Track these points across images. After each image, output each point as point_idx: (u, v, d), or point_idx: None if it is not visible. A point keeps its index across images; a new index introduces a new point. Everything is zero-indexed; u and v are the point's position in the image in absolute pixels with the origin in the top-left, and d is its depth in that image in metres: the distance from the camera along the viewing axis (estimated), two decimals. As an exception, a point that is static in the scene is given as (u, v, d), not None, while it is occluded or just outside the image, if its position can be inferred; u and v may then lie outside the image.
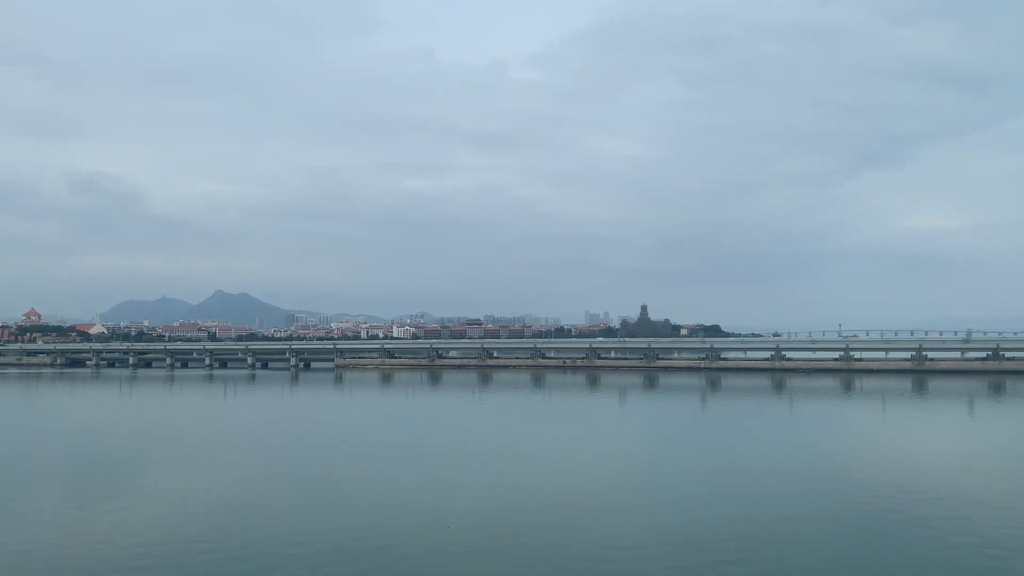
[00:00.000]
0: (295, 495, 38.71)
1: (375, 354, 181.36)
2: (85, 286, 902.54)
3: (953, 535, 30.21)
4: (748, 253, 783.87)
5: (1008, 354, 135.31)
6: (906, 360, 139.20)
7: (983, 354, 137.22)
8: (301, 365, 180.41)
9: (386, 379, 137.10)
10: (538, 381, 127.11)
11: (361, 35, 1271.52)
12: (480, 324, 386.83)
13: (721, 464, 47.06)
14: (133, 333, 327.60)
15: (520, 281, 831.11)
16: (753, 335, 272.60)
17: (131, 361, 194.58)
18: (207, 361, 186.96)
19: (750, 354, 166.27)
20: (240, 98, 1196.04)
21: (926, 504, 35.42)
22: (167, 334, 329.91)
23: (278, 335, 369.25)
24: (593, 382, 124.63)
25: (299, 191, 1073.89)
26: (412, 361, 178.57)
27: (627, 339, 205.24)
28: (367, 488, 40.25)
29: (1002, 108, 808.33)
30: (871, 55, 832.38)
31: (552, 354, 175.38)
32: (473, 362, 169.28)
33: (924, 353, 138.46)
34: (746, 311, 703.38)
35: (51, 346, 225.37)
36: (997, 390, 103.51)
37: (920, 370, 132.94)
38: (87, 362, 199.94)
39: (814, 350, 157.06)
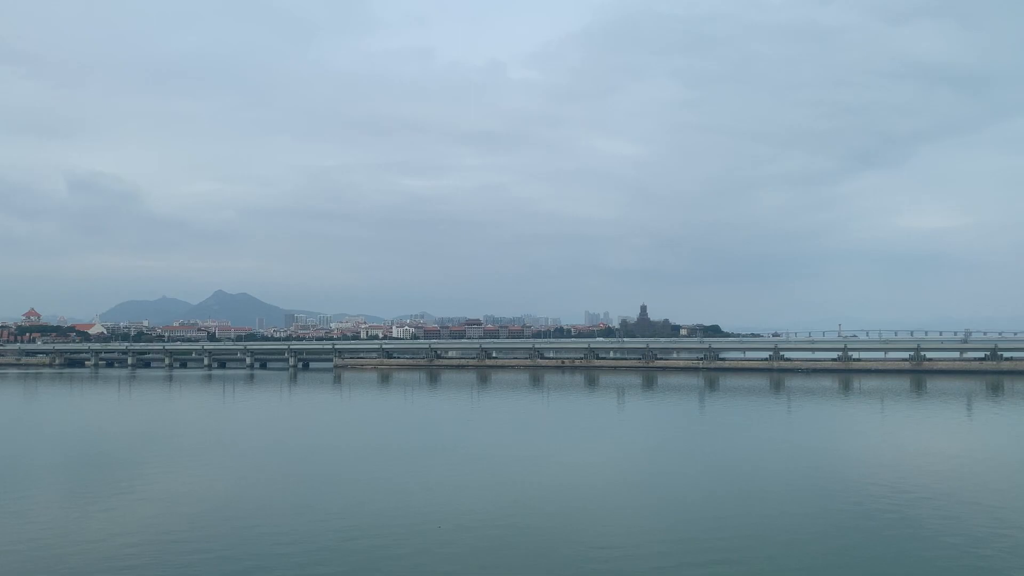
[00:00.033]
0: (288, 495, 38.66)
1: (373, 354, 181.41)
2: (85, 286, 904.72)
3: (947, 535, 30.19)
4: (747, 253, 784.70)
5: (1006, 354, 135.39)
6: (904, 360, 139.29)
7: (981, 354, 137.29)
8: (300, 365, 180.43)
9: (384, 379, 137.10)
10: (536, 381, 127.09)
11: (359, 35, 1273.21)
12: (479, 324, 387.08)
13: (717, 464, 46.99)
14: (132, 333, 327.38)
15: (520, 281, 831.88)
16: (753, 335, 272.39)
17: (130, 361, 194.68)
18: (206, 361, 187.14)
19: (749, 354, 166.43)
20: (238, 98, 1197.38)
21: (921, 504, 35.38)
22: (166, 334, 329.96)
23: (277, 335, 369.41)
24: (591, 382, 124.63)
25: (298, 191, 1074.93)
26: (410, 361, 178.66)
27: (625, 339, 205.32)
28: (361, 488, 40.19)
29: (1000, 108, 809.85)
30: (869, 55, 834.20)
31: (551, 354, 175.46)
32: (472, 362, 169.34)
33: (922, 353, 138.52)
34: (745, 311, 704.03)
35: (50, 346, 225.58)
36: (995, 390, 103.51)
37: (918, 370, 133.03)
38: (86, 362, 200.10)
39: (813, 350, 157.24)
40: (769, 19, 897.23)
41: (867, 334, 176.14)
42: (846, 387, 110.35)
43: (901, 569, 26.53)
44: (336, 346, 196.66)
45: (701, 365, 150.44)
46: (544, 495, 37.74)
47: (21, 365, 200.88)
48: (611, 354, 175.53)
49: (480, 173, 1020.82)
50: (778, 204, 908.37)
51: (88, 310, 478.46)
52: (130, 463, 49.36)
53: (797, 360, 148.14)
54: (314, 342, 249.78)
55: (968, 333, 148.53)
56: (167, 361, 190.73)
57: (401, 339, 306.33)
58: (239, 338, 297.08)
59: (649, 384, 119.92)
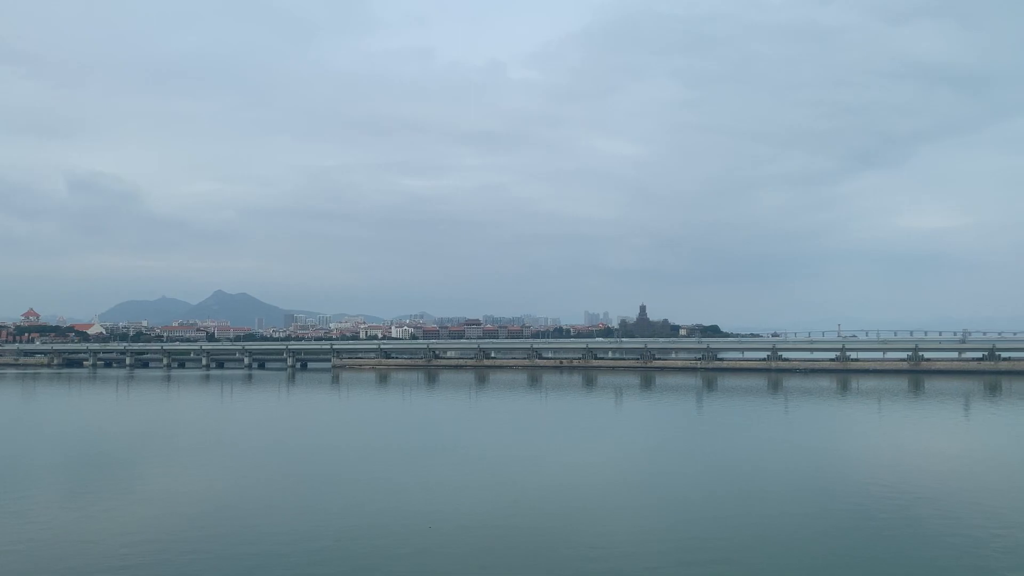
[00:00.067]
0: (288, 495, 38.58)
1: (372, 354, 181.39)
2: (85, 286, 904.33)
3: (947, 535, 30.14)
4: (747, 253, 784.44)
5: (1004, 354, 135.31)
6: (902, 360, 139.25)
7: (979, 355, 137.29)
8: (298, 365, 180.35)
9: (382, 379, 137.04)
10: (534, 381, 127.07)
11: (359, 35, 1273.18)
12: (479, 324, 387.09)
13: (717, 464, 46.95)
14: (131, 333, 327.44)
15: (519, 281, 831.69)
16: (752, 335, 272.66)
17: (128, 361, 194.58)
18: (204, 361, 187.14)
19: (747, 354, 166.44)
20: (238, 98, 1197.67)
21: (921, 504, 35.34)
22: (165, 334, 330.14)
23: (276, 335, 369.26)
24: (589, 382, 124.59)
25: (297, 191, 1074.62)
26: (408, 362, 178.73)
27: (623, 339, 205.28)
28: (360, 488, 40.11)
29: (1000, 108, 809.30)
30: (869, 55, 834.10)
31: (549, 354, 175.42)
32: (470, 363, 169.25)
33: (920, 353, 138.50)
34: (745, 311, 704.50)
35: (48, 346, 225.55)
36: (993, 390, 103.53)
37: (916, 370, 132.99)
38: (84, 362, 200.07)
39: (811, 350, 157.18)
40: (769, 19, 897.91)
41: (867, 334, 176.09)
42: (844, 387, 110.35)
43: (901, 569, 26.49)
44: (334, 346, 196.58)
45: (699, 365, 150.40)
46: (543, 495, 37.69)
47: (19, 365, 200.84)
48: (609, 354, 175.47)
49: (480, 173, 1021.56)
50: (778, 204, 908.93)
51: (88, 310, 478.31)
52: (130, 463, 49.40)
53: (795, 360, 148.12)
54: (312, 342, 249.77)
55: (966, 333, 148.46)
56: (165, 361, 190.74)
57: (400, 339, 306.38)
58: (238, 338, 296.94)
59: (647, 384, 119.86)
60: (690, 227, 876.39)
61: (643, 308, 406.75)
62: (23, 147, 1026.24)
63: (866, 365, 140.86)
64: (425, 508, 34.86)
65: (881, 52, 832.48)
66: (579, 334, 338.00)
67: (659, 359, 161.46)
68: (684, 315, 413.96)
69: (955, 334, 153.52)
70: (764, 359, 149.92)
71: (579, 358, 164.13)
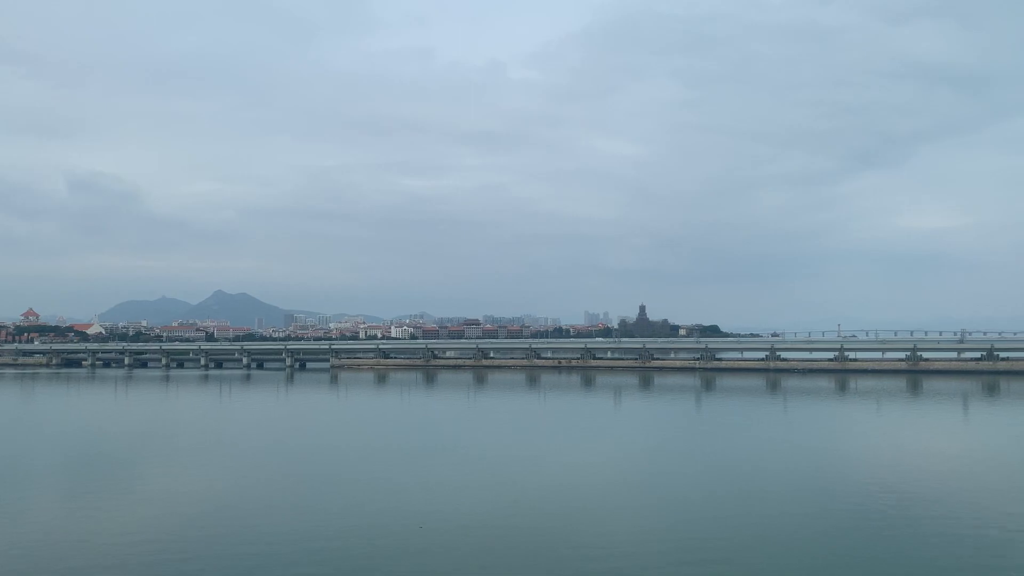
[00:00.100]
0: (287, 495, 38.52)
1: (370, 354, 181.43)
2: (85, 286, 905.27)
3: (948, 535, 30.16)
4: (747, 253, 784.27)
5: (1003, 354, 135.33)
6: (901, 360, 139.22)
7: (977, 355, 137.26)
8: (296, 365, 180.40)
9: (380, 379, 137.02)
10: (532, 381, 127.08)
11: (359, 35, 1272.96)
12: (478, 324, 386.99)
13: (714, 464, 46.97)
14: (131, 333, 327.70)
15: (520, 281, 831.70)
16: (752, 335, 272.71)
17: (126, 361, 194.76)
18: (202, 361, 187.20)
19: (746, 354, 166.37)
20: (238, 98, 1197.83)
21: (919, 504, 35.34)
22: (165, 334, 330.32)
23: (276, 335, 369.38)
24: (587, 382, 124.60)
25: (297, 191, 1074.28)
26: (407, 361, 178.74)
27: (622, 339, 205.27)
28: (360, 488, 40.10)
29: (1000, 108, 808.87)
30: (869, 55, 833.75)
31: (548, 354, 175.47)
32: (468, 363, 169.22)
33: (918, 353, 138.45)
34: (745, 311, 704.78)
35: (46, 346, 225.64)
36: (991, 390, 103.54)
37: (914, 370, 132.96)
38: (83, 362, 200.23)
39: (810, 350, 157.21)
40: (769, 19, 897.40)
41: (867, 334, 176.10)
42: (842, 387, 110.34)
43: (901, 569, 26.48)
44: (333, 346, 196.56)
45: (697, 365, 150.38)
46: (543, 495, 37.70)
47: (18, 365, 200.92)
48: (608, 354, 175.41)
49: (480, 173, 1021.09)
50: (778, 204, 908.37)
51: (88, 310, 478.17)
52: (129, 463, 49.39)
53: (793, 360, 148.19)
54: (311, 342, 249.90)
55: (964, 333, 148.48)
56: (164, 361, 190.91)
57: (399, 339, 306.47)
58: (237, 338, 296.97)
59: (645, 384, 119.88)
60: (690, 227, 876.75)
61: (642, 308, 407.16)
62: (23, 147, 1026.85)
63: (864, 365, 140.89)
64: (425, 508, 34.86)
65: (881, 52, 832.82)
66: (579, 334, 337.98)
67: (658, 359, 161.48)
68: (684, 315, 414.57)
69: (954, 334, 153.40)
70: (762, 359, 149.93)
71: (577, 358, 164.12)
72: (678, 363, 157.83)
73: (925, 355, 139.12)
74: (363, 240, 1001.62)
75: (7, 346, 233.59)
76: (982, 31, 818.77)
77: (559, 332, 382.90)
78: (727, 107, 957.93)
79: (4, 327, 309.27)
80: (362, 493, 38.58)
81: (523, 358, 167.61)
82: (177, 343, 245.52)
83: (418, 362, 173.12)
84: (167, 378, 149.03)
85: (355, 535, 30.81)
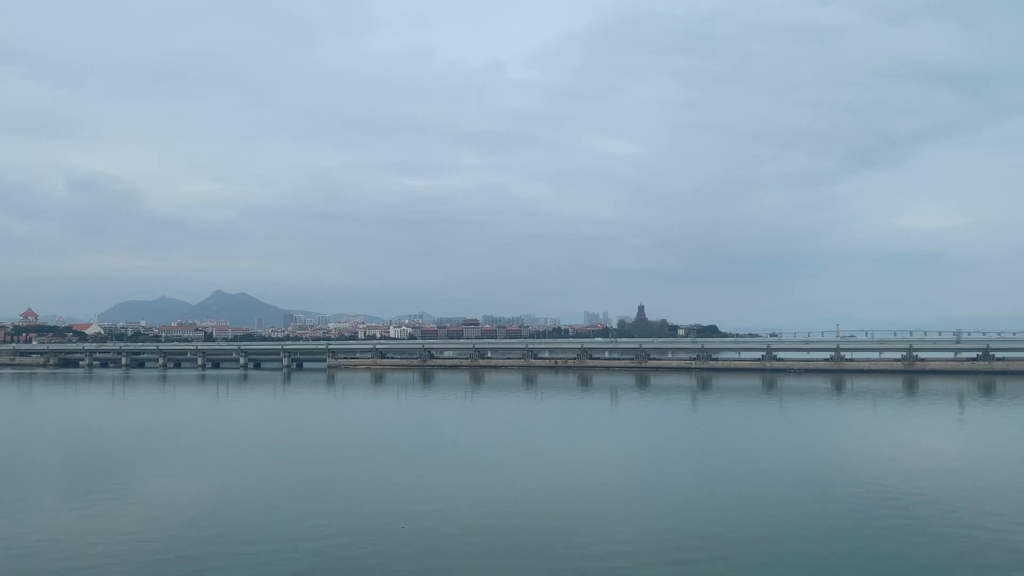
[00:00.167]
0: (287, 495, 38.59)
1: (367, 354, 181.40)
2: (85, 286, 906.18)
3: (945, 535, 30.27)
4: (747, 253, 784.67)
5: (998, 354, 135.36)
6: (897, 360, 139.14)
7: (973, 355, 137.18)
8: (293, 365, 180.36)
9: (377, 379, 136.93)
10: (528, 381, 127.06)
11: (359, 35, 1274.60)
12: (477, 324, 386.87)
13: (713, 464, 47.06)
14: (129, 333, 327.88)
15: (519, 281, 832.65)
16: (751, 335, 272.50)
17: (124, 361, 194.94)
18: (199, 361, 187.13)
19: (743, 354, 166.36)
20: (238, 98, 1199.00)
21: (918, 504, 35.40)
22: (163, 334, 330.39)
23: (275, 335, 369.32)
24: (584, 382, 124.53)
25: (297, 191, 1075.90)
26: (404, 362, 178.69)
27: (619, 339, 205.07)
28: (360, 488, 40.14)
29: (1000, 108, 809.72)
30: (869, 55, 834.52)
31: (545, 354, 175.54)
32: (465, 363, 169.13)
33: (914, 354, 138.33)
34: (745, 311, 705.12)
35: (44, 346, 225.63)
36: (987, 390, 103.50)
37: (910, 370, 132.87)
38: (80, 362, 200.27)
39: (806, 351, 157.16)
40: (769, 19, 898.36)
41: (866, 334, 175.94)
42: (838, 387, 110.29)
43: (901, 569, 26.57)
44: (330, 346, 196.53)
45: (694, 365, 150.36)
46: (543, 495, 37.79)
47: (15, 365, 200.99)
48: (606, 354, 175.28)
49: (480, 173, 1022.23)
50: (778, 204, 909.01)
51: (87, 310, 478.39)
52: (129, 463, 49.50)
53: (790, 360, 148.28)
54: (309, 342, 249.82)
55: (960, 333, 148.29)
56: (161, 361, 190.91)
57: (397, 339, 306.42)
58: (235, 338, 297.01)
59: (641, 384, 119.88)
60: (690, 227, 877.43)
61: (641, 308, 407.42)
62: (23, 147, 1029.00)
63: (860, 365, 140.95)
64: (425, 508, 34.98)
65: (881, 52, 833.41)
66: (577, 334, 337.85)
67: (654, 359, 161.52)
68: (684, 315, 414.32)
69: (955, 334, 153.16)
70: (759, 359, 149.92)
71: (574, 358, 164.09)
72: (675, 363, 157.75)
73: (921, 355, 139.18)
74: (363, 240, 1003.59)
75: (5, 346, 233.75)
76: (982, 31, 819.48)
77: (558, 332, 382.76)
78: (727, 107, 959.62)
79: (3, 327, 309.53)
80: (362, 493, 38.68)
81: (520, 358, 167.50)
82: (175, 343, 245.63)
83: (415, 362, 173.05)
84: (164, 378, 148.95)
85: (355, 535, 30.90)
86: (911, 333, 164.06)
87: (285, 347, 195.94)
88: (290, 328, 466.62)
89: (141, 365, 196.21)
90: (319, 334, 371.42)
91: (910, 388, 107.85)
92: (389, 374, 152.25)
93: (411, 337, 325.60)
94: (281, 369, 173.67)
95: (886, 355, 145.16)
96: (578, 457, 50.61)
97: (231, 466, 48.00)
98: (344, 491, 39.11)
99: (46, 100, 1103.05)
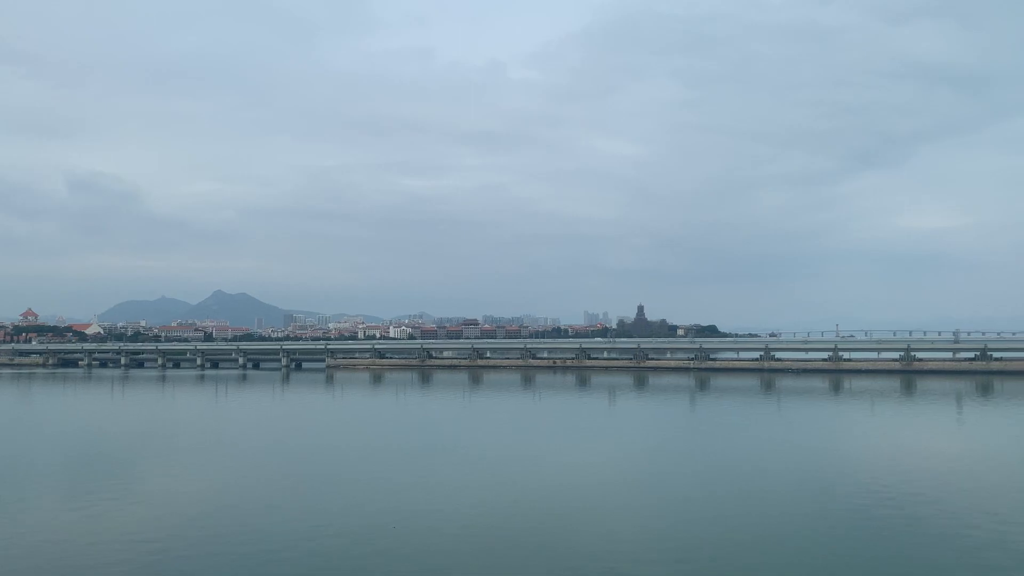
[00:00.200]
0: (287, 495, 38.67)
1: (366, 354, 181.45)
2: (85, 286, 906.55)
3: (945, 535, 30.37)
4: (747, 253, 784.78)
5: (996, 354, 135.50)
6: (894, 360, 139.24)
7: (971, 355, 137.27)
8: (292, 365, 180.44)
9: (376, 379, 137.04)
10: (527, 381, 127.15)
11: (359, 35, 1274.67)
12: (476, 324, 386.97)
13: (713, 464, 47.12)
14: (129, 333, 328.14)
15: (519, 281, 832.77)
16: (750, 335, 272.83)
17: (123, 361, 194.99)
18: (198, 361, 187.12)
19: (741, 354, 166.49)
20: (238, 98, 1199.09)
21: (918, 504, 35.51)
22: (163, 334, 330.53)
23: (275, 335, 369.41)
24: (582, 382, 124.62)
25: (297, 191, 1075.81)
26: (402, 362, 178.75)
27: (617, 339, 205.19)
28: (361, 488, 40.24)
29: (1000, 108, 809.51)
30: (869, 55, 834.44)
31: (544, 354, 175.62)
32: (464, 363, 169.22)
33: (912, 354, 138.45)
34: (745, 311, 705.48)
35: (43, 346, 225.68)
36: (985, 390, 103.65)
37: (908, 370, 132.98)
38: (79, 362, 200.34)
39: (805, 351, 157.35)
40: (769, 19, 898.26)
41: (866, 334, 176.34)
42: (836, 387, 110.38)
43: (901, 569, 26.66)
44: (329, 346, 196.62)
45: (692, 365, 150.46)
46: (543, 495, 37.87)
47: (14, 365, 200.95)
48: (604, 354, 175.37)
49: (480, 173, 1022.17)
50: (778, 204, 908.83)
51: (87, 310, 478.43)
52: (129, 463, 49.59)
53: (788, 360, 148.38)
54: (308, 342, 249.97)
55: (958, 333, 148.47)
56: (160, 361, 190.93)
57: (396, 339, 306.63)
58: (235, 338, 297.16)
59: (640, 384, 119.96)
60: (690, 227, 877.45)
61: (640, 308, 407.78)
62: (23, 147, 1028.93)
63: (858, 365, 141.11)
64: (425, 508, 35.07)
65: (881, 52, 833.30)
66: (577, 334, 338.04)
67: (653, 359, 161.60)
68: (683, 315, 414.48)
69: (954, 334, 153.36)
70: (757, 359, 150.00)
71: (572, 358, 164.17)
72: (673, 363, 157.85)
73: (919, 355, 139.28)
74: (363, 240, 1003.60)
75: (4, 346, 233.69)
76: (982, 31, 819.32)
77: (557, 332, 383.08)
78: (727, 107, 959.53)
79: (2, 327, 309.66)
80: (362, 493, 38.76)
81: (519, 358, 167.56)
82: (175, 343, 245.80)
83: (413, 362, 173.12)
84: (163, 378, 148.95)
85: (355, 535, 30.96)
86: (911, 333, 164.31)
87: (284, 347, 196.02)
88: (290, 328, 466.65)
89: (140, 365, 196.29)
90: (319, 334, 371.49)
91: (908, 388, 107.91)
92: (388, 374, 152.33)
93: (410, 337, 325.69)
94: (280, 369, 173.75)
95: (884, 355, 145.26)
96: (577, 457, 50.71)
97: (230, 466, 48.11)
98: (344, 491, 39.19)
99: (46, 100, 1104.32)
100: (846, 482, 40.60)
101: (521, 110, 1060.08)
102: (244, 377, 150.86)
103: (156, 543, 29.80)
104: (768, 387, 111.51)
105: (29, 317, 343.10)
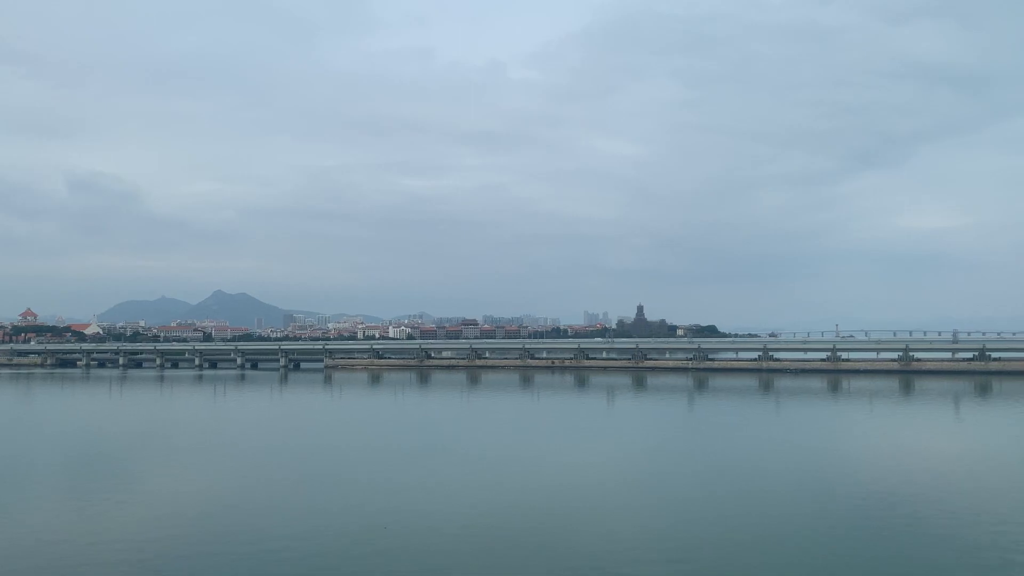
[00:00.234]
0: (287, 495, 38.69)
1: (365, 354, 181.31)
2: (85, 286, 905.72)
3: (945, 535, 30.37)
4: (747, 253, 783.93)
5: (995, 354, 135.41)
6: (893, 361, 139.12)
7: (970, 355, 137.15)
8: (291, 366, 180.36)
9: (374, 380, 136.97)
10: (525, 382, 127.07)
11: (359, 35, 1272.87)
12: (476, 324, 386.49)
13: (713, 464, 47.10)
14: (128, 333, 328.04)
15: (519, 281, 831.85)
16: (750, 335, 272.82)
17: (121, 362, 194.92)
18: (196, 362, 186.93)
19: (740, 354, 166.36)
20: (238, 98, 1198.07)
21: (918, 504, 35.50)
22: (162, 335, 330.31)
23: (274, 335, 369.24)
24: (580, 383, 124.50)
25: (297, 191, 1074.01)
26: (400, 362, 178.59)
27: (615, 339, 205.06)
28: (361, 488, 40.26)
29: (1000, 108, 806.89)
30: (869, 55, 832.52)
31: (543, 354, 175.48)
32: (462, 363, 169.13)
33: (911, 354, 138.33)
34: (745, 311, 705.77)
35: (41, 346, 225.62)
36: (983, 390, 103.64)
37: (907, 371, 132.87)
38: (77, 362, 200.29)
39: (803, 351, 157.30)
40: (769, 19, 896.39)
41: (865, 334, 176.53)
42: (834, 388, 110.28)
43: (901, 569, 26.66)
44: (327, 347, 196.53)
45: (690, 365, 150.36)
46: (542, 495, 37.88)
47: (12, 365, 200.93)
48: (603, 354, 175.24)
49: (480, 173, 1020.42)
50: (778, 204, 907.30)
51: (87, 310, 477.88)
52: (129, 463, 49.64)
53: (786, 360, 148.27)
54: (306, 342, 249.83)
55: (956, 334, 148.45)
56: (158, 361, 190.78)
57: (395, 339, 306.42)
58: (234, 339, 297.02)
59: (638, 384, 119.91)
60: (690, 227, 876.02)
61: (640, 308, 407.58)
62: (23, 147, 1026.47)
63: (856, 365, 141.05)
64: (425, 508, 35.09)
65: (881, 52, 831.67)
66: (576, 334, 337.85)
67: (651, 359, 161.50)
68: (683, 315, 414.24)
69: (954, 334, 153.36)
70: (755, 359, 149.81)
71: (571, 358, 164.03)
72: (671, 363, 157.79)
73: (917, 355, 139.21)
74: (363, 240, 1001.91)
75: (3, 346, 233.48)
76: (982, 31, 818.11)
77: (557, 332, 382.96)
78: (727, 107, 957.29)
79: (1, 327, 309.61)
80: (362, 493, 38.79)
81: (517, 358, 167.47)
82: (175, 343, 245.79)
83: (412, 362, 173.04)
84: (161, 378, 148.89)
85: (355, 535, 30.96)
86: (910, 333, 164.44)
87: (282, 347, 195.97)
88: (289, 328, 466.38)
89: (139, 365, 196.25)
90: (318, 334, 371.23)
91: (906, 388, 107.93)
92: (386, 374, 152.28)
93: (410, 337, 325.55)
94: (278, 369, 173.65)
95: (883, 355, 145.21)
96: (577, 457, 50.71)
97: (230, 466, 48.14)
98: (343, 491, 39.19)
99: (46, 100, 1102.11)
100: (846, 482, 40.65)
101: (521, 110, 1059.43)
102: (242, 377, 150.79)
103: (156, 543, 29.83)
104: (766, 387, 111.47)
105: (28, 317, 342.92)
